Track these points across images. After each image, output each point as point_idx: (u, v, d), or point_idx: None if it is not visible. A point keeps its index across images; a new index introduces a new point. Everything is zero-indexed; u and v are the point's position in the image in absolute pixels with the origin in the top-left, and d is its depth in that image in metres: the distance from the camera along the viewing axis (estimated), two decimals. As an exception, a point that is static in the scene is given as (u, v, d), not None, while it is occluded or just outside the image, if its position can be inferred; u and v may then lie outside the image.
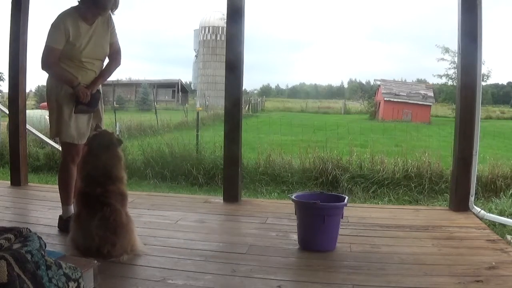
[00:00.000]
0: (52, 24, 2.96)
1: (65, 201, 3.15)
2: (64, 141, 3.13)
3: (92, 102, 3.09)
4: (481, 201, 4.92)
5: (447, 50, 25.59)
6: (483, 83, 26.15)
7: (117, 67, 3.29)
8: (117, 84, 33.68)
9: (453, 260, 2.67)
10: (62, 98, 3.02)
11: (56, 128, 3.08)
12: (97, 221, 2.53)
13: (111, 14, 3.13)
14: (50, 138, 3.18)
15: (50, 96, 3.08)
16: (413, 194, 5.59)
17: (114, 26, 3.20)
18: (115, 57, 3.25)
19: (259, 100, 36.15)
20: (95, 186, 2.60)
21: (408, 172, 5.95)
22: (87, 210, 2.60)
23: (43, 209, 3.74)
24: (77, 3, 3.01)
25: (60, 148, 6.48)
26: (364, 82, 63.05)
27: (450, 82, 27.25)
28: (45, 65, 3.00)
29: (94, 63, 3.10)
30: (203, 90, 35.74)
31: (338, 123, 13.61)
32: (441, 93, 29.88)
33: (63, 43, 2.95)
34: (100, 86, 3.21)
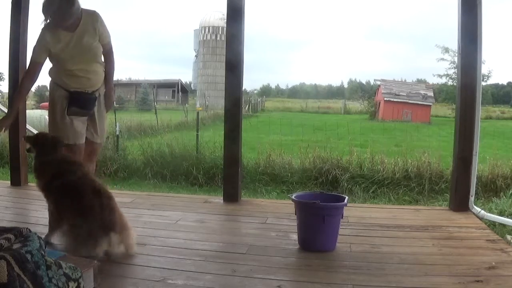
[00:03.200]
0: (37, 39, 3.00)
1: (65, 201, 3.15)
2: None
3: (86, 105, 3.08)
4: (481, 201, 4.92)
5: (447, 50, 25.59)
6: (483, 83, 25.99)
7: (114, 67, 3.28)
8: (117, 84, 33.65)
9: (453, 260, 2.67)
10: (56, 99, 3.05)
11: (52, 129, 3.10)
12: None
13: (99, 16, 3.08)
14: None
15: (49, 97, 3.13)
16: (413, 194, 5.60)
17: (104, 28, 3.13)
18: (109, 59, 3.23)
19: (259, 100, 36.13)
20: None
21: (408, 172, 5.95)
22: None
23: (43, 209, 3.72)
24: None
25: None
26: (364, 82, 62.99)
27: (450, 82, 27.24)
28: (24, 78, 3.07)
29: (86, 69, 3.06)
30: (203, 90, 35.71)
31: (338, 123, 13.57)
32: (441, 93, 29.85)
33: (45, 57, 2.99)
34: (101, 88, 3.21)
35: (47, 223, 3.30)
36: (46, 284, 1.65)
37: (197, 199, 4.64)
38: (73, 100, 3.04)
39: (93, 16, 3.06)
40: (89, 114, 3.14)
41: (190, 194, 5.36)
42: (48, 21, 2.98)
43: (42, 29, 3.00)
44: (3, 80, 27.58)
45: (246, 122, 9.70)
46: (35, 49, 3.00)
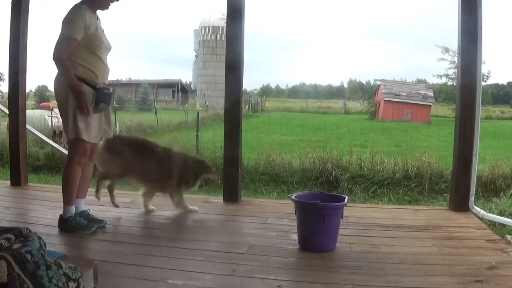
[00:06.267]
0: (68, 16, 2.87)
1: (66, 201, 3.12)
2: (82, 139, 2.99)
3: (110, 99, 3.14)
4: (481, 201, 4.92)
5: (447, 50, 25.65)
6: (483, 83, 26.09)
7: None
8: (117, 84, 33.66)
9: (453, 260, 2.67)
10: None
11: (85, 129, 2.96)
12: None
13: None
14: (68, 139, 3.08)
15: (67, 96, 2.91)
16: (413, 194, 5.60)
17: None
18: None
19: (259, 100, 36.15)
20: None
21: (408, 172, 5.95)
22: None
23: (43, 209, 3.74)
24: None
25: (59, 148, 6.47)
26: (364, 82, 63.01)
27: (450, 82, 27.27)
28: (59, 57, 2.85)
29: (106, 58, 3.10)
30: (203, 90, 35.71)
31: (338, 123, 13.61)
32: (441, 93, 29.88)
33: (82, 35, 2.87)
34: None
35: (47, 223, 3.31)
36: (46, 284, 1.65)
37: (197, 199, 4.63)
38: (100, 96, 2.99)
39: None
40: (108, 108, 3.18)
41: (190, 194, 5.35)
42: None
43: (77, 7, 2.89)
44: (3, 80, 27.61)
45: (246, 122, 9.71)
46: (72, 26, 2.83)
